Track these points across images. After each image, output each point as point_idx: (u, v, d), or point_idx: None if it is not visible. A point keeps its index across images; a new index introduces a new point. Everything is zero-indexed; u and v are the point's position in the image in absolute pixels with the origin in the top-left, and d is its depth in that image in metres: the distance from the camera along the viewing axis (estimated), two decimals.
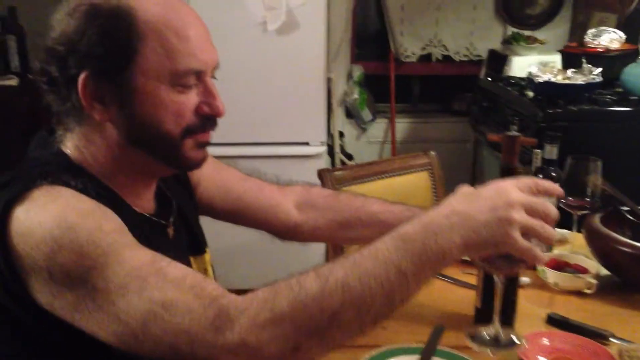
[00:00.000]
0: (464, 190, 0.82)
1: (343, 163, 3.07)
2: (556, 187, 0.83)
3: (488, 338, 0.97)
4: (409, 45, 3.48)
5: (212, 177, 1.18)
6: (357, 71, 3.44)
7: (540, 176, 1.45)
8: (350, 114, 3.48)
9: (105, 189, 0.90)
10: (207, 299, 0.74)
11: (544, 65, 2.62)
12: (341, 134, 3.30)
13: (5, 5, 3.02)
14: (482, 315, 1.22)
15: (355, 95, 3.38)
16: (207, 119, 0.92)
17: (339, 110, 3.41)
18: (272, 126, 2.65)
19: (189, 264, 1.03)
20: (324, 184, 1.84)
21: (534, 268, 1.04)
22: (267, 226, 1.23)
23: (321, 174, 1.85)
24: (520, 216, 0.76)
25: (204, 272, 1.09)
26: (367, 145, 3.57)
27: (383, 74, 3.48)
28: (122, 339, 0.75)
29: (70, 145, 0.92)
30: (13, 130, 2.71)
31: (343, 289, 0.72)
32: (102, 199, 0.83)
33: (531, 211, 0.77)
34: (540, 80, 2.47)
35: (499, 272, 0.90)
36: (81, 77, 0.85)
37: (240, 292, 0.77)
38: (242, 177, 1.22)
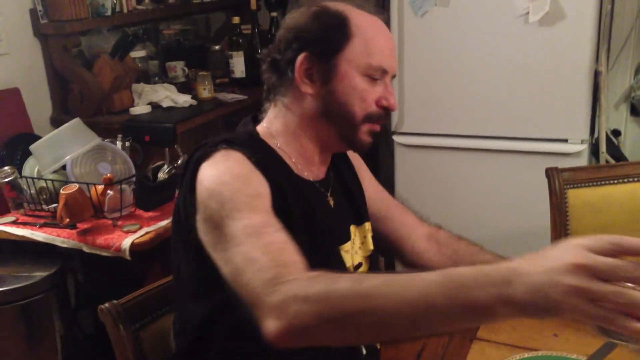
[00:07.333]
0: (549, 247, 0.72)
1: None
2: None
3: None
4: None
5: (372, 184, 1.36)
6: None
7: None
8: (636, 111, 3.14)
9: (274, 158, 1.12)
10: (277, 262, 0.85)
11: None
12: (617, 133, 3.01)
13: None
14: None
15: None
16: (384, 110, 1.15)
17: (622, 107, 3.12)
18: (529, 121, 2.55)
19: (348, 232, 1.19)
20: (550, 184, 1.78)
21: None
22: (397, 244, 1.36)
23: (549, 172, 1.78)
24: (578, 281, 0.65)
25: (364, 239, 1.24)
26: None
27: None
28: (229, 280, 0.91)
29: (265, 122, 1.17)
30: None
31: (367, 297, 0.75)
32: (263, 165, 1.04)
33: (601, 274, 0.65)
34: None
35: (610, 336, 0.79)
36: (300, 57, 1.11)
37: None
38: (390, 197, 1.39)
